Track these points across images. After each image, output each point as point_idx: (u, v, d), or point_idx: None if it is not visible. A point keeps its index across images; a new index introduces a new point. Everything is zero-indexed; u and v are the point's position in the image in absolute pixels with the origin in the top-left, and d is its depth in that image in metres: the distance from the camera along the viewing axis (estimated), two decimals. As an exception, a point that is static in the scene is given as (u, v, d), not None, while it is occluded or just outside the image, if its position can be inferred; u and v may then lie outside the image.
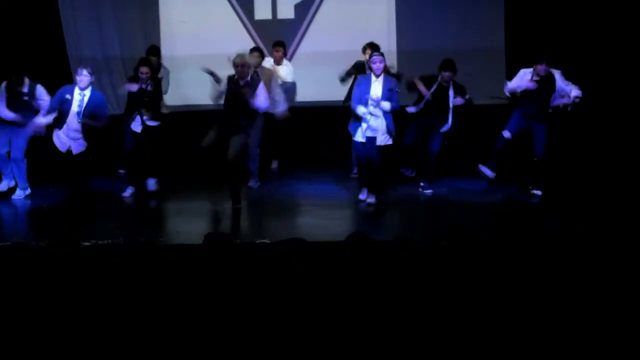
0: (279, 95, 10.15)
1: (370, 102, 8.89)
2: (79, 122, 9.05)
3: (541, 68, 9.34)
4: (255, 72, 9.39)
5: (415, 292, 4.91)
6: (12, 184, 9.79)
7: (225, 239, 5.49)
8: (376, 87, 9.01)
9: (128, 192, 9.71)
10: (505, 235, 7.88)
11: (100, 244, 7.52)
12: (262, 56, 10.28)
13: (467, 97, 9.60)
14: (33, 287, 5.12)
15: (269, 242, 7.50)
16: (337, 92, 11.55)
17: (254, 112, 8.92)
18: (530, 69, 9.47)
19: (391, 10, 11.96)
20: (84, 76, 9.04)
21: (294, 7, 12.06)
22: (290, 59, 11.59)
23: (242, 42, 11.81)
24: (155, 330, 4.72)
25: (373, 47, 10.01)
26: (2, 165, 9.71)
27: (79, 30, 12.07)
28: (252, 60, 9.37)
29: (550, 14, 11.43)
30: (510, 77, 11.45)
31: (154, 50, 11.02)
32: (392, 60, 11.82)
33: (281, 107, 10.21)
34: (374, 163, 9.10)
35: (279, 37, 11.37)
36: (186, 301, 4.88)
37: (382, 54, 9.15)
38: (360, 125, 9.05)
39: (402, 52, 11.61)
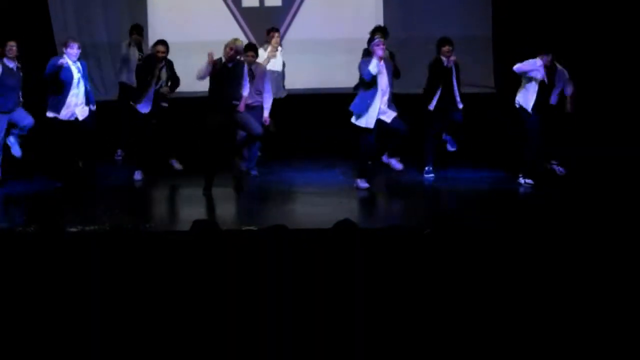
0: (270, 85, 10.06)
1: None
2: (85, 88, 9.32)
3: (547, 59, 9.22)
4: (250, 69, 9.41)
5: (403, 279, 4.90)
6: None
7: (212, 225, 5.47)
8: (382, 73, 9.01)
9: (138, 175, 9.77)
10: (495, 224, 7.87)
11: (86, 230, 7.47)
12: (257, 55, 10.14)
13: None
14: (18, 272, 5.09)
15: (255, 228, 7.48)
16: (324, 80, 11.57)
17: (241, 92, 8.98)
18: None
19: (378, -2, 11.97)
20: (76, 49, 9.21)
21: (281, -6, 12.07)
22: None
23: (229, 29, 11.83)
24: (141, 316, 4.72)
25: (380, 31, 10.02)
26: None
27: (66, 16, 12.07)
28: (246, 58, 9.35)
29: (537, 3, 11.44)
30: (498, 64, 11.50)
31: (139, 29, 11.06)
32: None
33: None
34: (403, 133, 9.14)
35: (266, 25, 11.31)
36: (172, 287, 4.86)
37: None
38: (367, 110, 9.02)
39: (389, 39, 11.53)
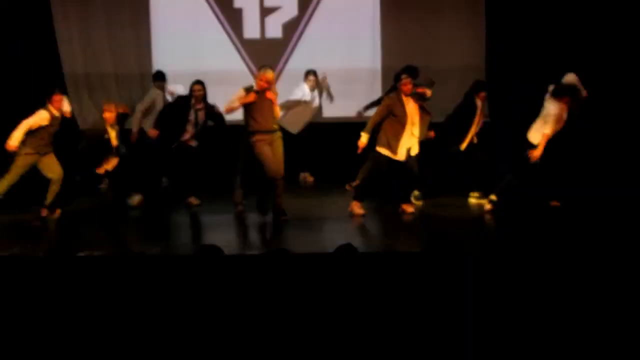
0: None
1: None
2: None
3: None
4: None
5: (400, 301, 4.95)
6: None
7: (216, 250, 5.53)
8: (411, 109, 9.18)
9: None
10: (489, 247, 7.94)
11: (95, 255, 7.54)
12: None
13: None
14: (31, 296, 5.14)
15: (257, 253, 7.53)
16: (323, 108, 11.63)
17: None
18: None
19: (376, 30, 12.03)
20: (108, 113, 9.50)
21: (281, 27, 12.12)
22: (278, 77, 11.65)
23: (231, 59, 11.94)
24: (146, 337, 4.78)
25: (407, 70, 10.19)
26: None
27: (73, 48, 12.10)
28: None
29: (529, 34, 11.52)
30: (491, 94, 11.58)
31: (160, 76, 11.23)
32: (377, 78, 11.97)
33: None
34: (414, 175, 9.33)
35: (267, 56, 11.44)
36: (177, 310, 4.93)
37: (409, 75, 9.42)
38: (398, 141, 9.18)
39: (386, 70, 11.65)
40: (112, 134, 9.51)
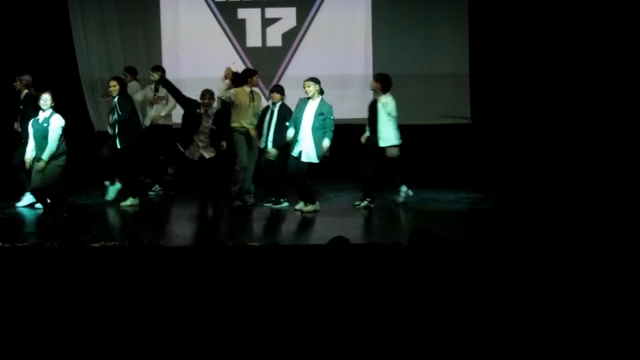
0: None
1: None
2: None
3: None
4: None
5: (388, 291, 4.91)
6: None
7: (216, 241, 5.53)
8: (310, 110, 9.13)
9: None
10: (472, 239, 7.92)
11: (107, 245, 7.54)
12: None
13: None
14: (48, 281, 5.21)
15: (257, 244, 7.52)
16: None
17: None
18: None
19: (368, 39, 12.07)
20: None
21: (281, 36, 12.17)
22: (278, 82, 11.66)
23: (234, 66, 11.93)
24: (153, 323, 4.75)
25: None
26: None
27: (90, 55, 12.18)
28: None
29: (511, 44, 11.52)
30: (473, 98, 11.62)
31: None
32: (368, 83, 11.96)
33: None
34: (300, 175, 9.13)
35: (268, 63, 11.50)
36: (182, 297, 4.91)
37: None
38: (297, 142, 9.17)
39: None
40: None
